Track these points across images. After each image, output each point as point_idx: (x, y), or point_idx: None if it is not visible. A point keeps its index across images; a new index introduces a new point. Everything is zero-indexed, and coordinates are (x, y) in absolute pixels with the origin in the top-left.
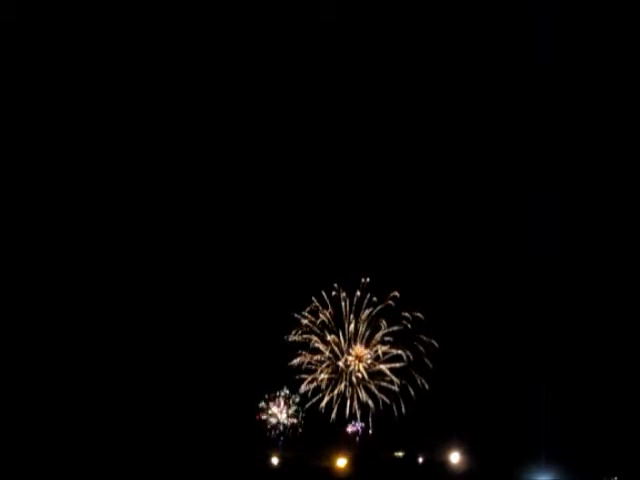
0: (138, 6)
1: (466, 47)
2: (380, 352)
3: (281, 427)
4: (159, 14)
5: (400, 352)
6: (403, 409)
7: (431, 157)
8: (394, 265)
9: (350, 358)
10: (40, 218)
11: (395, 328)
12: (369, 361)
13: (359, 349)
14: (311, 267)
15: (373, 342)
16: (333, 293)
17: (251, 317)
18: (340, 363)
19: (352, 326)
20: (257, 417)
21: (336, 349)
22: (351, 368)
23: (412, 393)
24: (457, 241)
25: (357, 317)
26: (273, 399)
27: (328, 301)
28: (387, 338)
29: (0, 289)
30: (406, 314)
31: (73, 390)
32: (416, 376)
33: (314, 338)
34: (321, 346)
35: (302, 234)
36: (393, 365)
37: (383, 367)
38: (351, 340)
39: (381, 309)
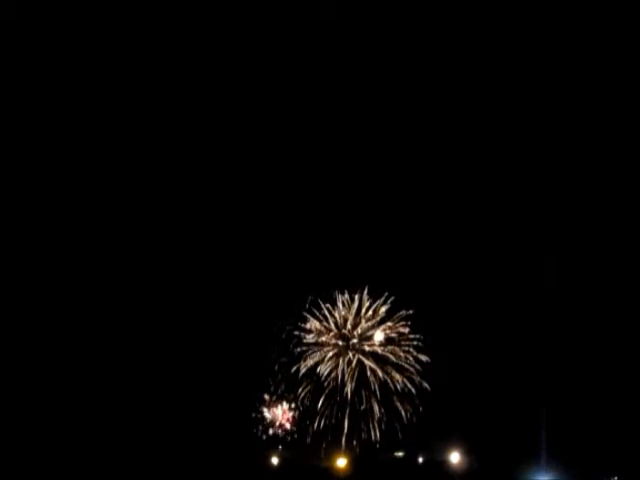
0: (138, 6)
1: (467, 46)
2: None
3: (281, 426)
4: (159, 14)
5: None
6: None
7: (431, 160)
8: (392, 273)
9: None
10: (40, 218)
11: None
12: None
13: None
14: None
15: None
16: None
17: (249, 317)
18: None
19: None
20: (257, 416)
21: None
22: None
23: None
24: (456, 247)
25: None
26: (273, 398)
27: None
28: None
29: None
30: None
31: (69, 389)
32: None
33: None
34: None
35: (295, 241)
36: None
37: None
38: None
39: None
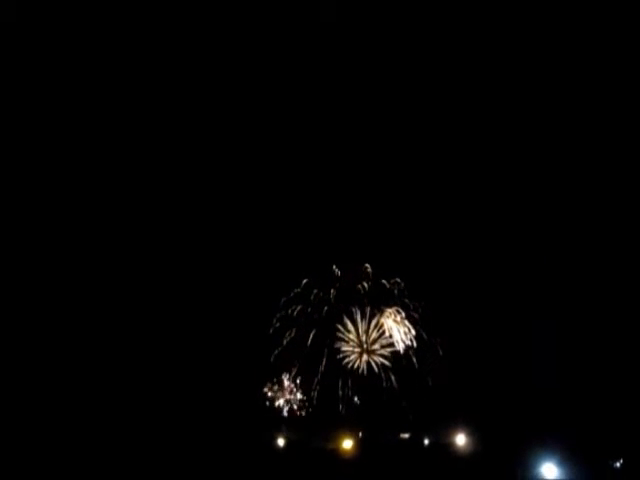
0: (138, 6)
1: (466, 46)
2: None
3: (287, 408)
4: (159, 14)
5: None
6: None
7: (431, 154)
8: (396, 254)
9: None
10: (40, 218)
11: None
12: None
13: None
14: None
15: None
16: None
17: (248, 300)
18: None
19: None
20: (262, 398)
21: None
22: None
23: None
24: (459, 232)
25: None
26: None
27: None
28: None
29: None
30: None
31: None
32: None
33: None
34: None
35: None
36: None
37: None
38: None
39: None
